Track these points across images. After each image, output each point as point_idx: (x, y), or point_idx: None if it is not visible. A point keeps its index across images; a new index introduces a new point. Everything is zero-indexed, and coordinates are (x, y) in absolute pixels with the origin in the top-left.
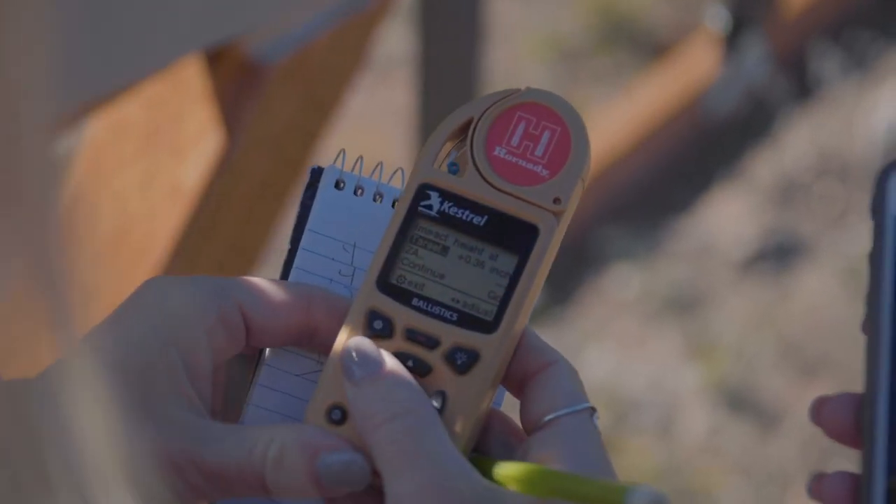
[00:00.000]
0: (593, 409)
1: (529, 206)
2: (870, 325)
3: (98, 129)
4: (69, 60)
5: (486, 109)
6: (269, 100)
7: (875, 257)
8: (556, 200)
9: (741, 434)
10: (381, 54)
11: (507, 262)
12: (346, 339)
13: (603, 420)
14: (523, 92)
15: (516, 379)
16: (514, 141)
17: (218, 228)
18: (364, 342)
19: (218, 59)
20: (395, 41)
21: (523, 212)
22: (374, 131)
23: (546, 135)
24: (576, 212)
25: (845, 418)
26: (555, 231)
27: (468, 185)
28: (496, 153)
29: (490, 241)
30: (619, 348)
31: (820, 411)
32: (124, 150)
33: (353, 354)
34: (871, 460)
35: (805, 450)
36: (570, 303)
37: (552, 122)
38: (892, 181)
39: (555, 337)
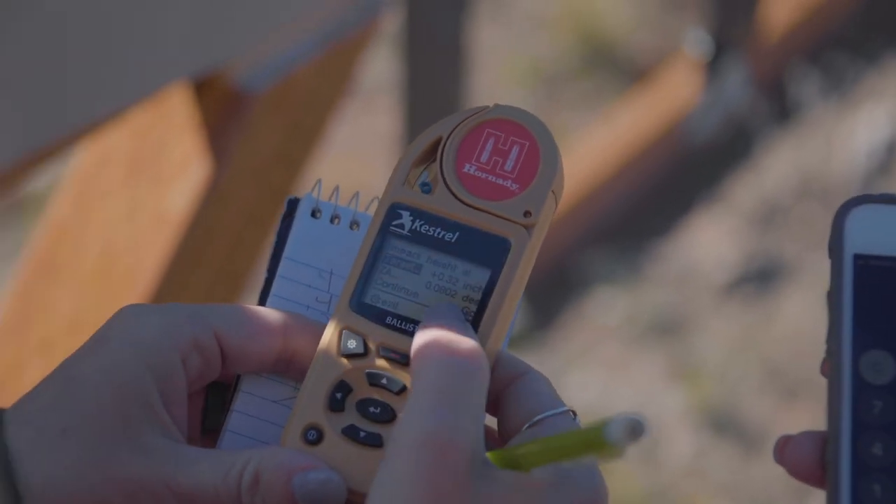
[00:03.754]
0: (574, 412)
1: (500, 221)
2: (830, 364)
3: (84, 159)
4: (53, 91)
5: (455, 127)
6: (254, 128)
7: (834, 297)
8: (527, 213)
9: (726, 457)
10: (365, 81)
11: (480, 276)
12: (321, 358)
13: None
14: (491, 108)
15: (491, 394)
16: (484, 157)
17: (204, 257)
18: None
19: (203, 89)
20: (379, 68)
21: (494, 226)
22: (358, 158)
23: (515, 150)
24: (558, 237)
25: (809, 457)
26: (527, 244)
27: (439, 203)
28: (466, 170)
29: (462, 256)
30: (603, 372)
31: (783, 450)
32: (110, 179)
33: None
34: (835, 499)
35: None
36: (554, 327)
37: (520, 137)
38: (848, 220)
39: (538, 361)
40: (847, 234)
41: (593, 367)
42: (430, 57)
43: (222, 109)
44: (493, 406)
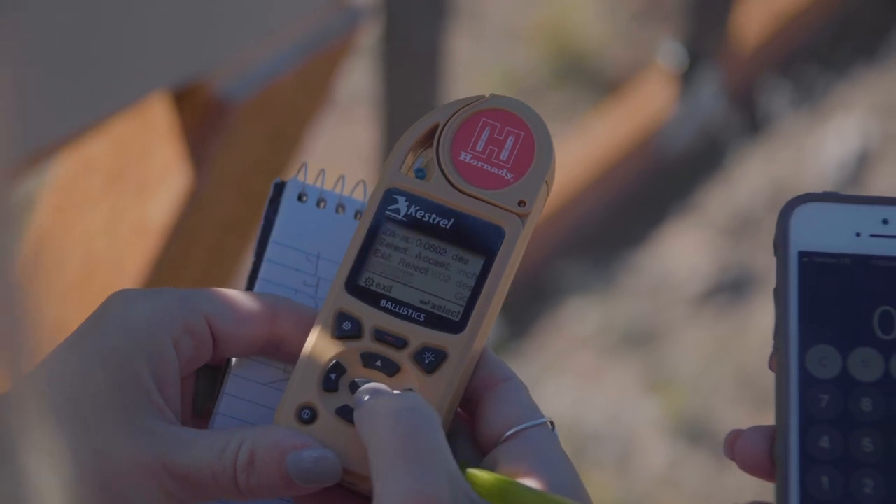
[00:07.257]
0: (552, 423)
1: (495, 209)
2: (778, 359)
3: (65, 168)
4: (34, 101)
5: (452, 115)
6: (234, 137)
7: (780, 293)
8: (521, 203)
9: (699, 466)
10: (343, 93)
11: (474, 263)
12: (316, 339)
13: None
14: (488, 98)
15: (471, 393)
16: (480, 146)
17: (185, 265)
18: (377, 384)
19: (184, 98)
20: (357, 80)
21: (489, 214)
22: (336, 169)
23: (510, 139)
24: (532, 247)
25: (758, 451)
26: (520, 233)
27: (435, 189)
28: (462, 158)
29: (457, 243)
30: (577, 382)
31: (733, 445)
32: (91, 188)
33: (364, 392)
34: (784, 492)
35: (762, 481)
36: (528, 337)
37: (516, 127)
38: (793, 217)
39: (513, 370)
40: (792, 232)
41: (567, 376)
42: (408, 69)
43: (203, 118)
44: (471, 405)
